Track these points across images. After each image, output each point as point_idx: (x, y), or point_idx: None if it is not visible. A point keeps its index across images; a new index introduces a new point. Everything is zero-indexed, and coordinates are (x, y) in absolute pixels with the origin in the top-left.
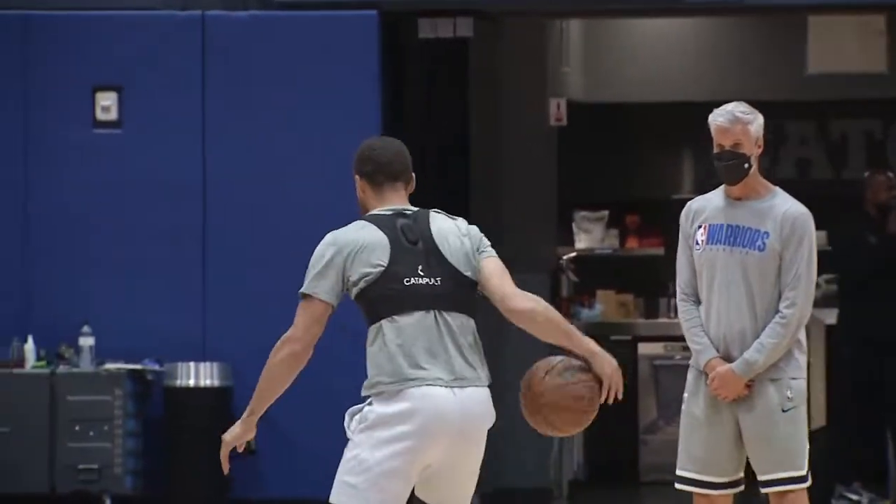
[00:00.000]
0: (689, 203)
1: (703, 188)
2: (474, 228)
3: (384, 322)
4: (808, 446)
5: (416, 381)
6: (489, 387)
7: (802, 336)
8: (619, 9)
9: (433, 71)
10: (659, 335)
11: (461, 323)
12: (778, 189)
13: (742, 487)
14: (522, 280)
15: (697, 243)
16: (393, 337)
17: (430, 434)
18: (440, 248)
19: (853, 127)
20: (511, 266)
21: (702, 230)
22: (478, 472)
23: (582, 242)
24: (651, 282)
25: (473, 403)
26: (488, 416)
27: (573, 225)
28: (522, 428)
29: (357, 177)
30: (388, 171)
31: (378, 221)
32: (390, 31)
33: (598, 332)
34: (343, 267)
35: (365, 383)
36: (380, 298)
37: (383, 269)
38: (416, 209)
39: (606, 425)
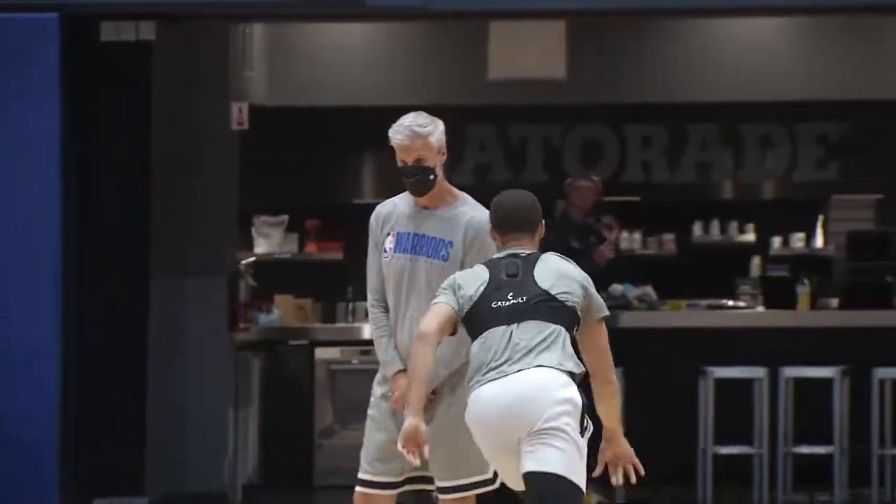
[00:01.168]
0: (377, 208)
1: (383, 193)
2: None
3: None
4: None
5: None
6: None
7: None
8: (302, 13)
9: (117, 75)
10: (336, 340)
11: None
12: (465, 196)
13: (405, 487)
14: (201, 284)
15: (386, 251)
16: None
17: None
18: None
19: (532, 132)
20: (190, 270)
21: (390, 237)
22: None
23: (261, 247)
24: (330, 287)
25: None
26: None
27: (252, 230)
28: (195, 430)
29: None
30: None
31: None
32: (76, 34)
33: (275, 336)
34: None
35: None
36: None
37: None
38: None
39: (282, 429)
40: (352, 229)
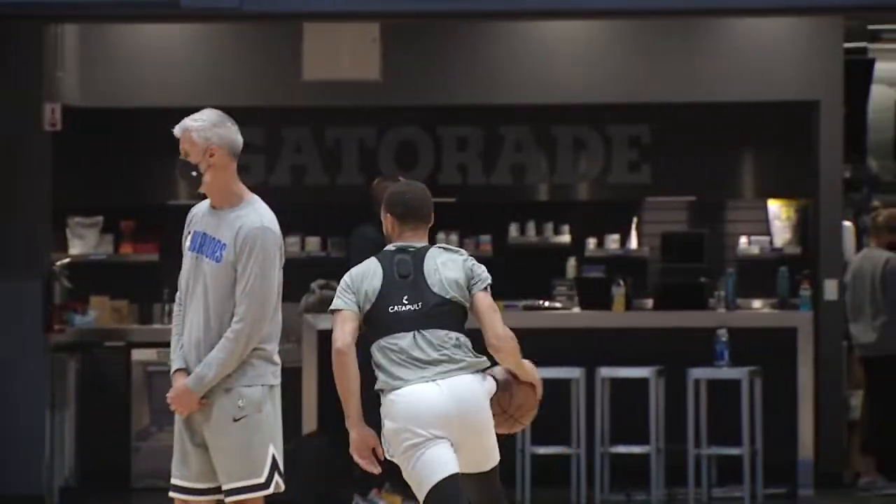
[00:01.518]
0: (193, 207)
1: (198, 195)
2: (472, 263)
3: None
4: (271, 452)
5: None
6: None
7: (270, 345)
8: (115, 14)
9: None
10: (153, 341)
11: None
12: (254, 199)
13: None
14: (15, 286)
15: (183, 250)
16: None
17: None
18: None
19: (348, 134)
20: (4, 272)
21: (189, 236)
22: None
23: (76, 248)
24: (146, 288)
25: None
26: None
27: (67, 231)
28: (11, 432)
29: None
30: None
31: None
32: None
33: (91, 338)
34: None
35: None
36: None
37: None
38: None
39: (98, 431)
40: (167, 230)
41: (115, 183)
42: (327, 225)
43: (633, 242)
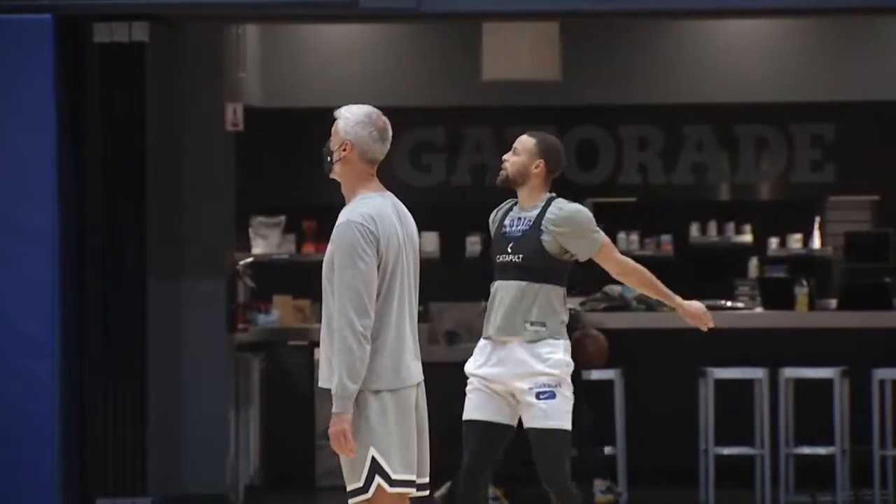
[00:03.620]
0: None
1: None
2: None
3: None
4: (370, 455)
5: None
6: None
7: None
8: (294, 14)
9: (111, 77)
10: None
11: None
12: (368, 196)
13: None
14: (199, 286)
15: None
16: None
17: None
18: None
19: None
20: (188, 272)
21: None
22: None
23: (259, 248)
24: None
25: None
26: None
27: (250, 230)
28: (197, 431)
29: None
30: None
31: None
32: (70, 35)
33: (275, 337)
34: None
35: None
36: None
37: None
38: None
39: (283, 430)
40: None
41: (296, 183)
42: None
43: (816, 242)
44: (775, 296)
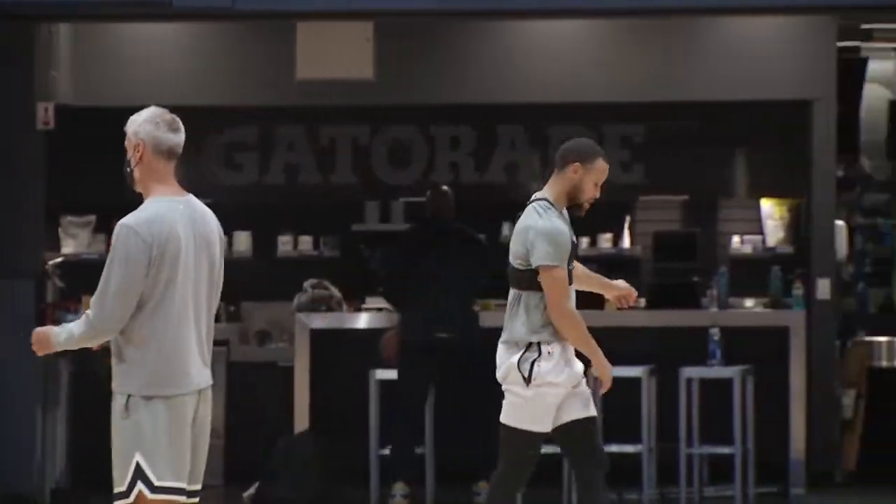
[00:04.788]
0: None
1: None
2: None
3: None
4: (135, 460)
5: None
6: None
7: (138, 351)
8: (106, 13)
9: None
10: None
11: None
12: (154, 199)
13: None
14: (8, 286)
15: None
16: None
17: None
18: None
19: (340, 133)
20: None
21: None
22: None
23: (69, 247)
24: None
25: None
26: None
27: (60, 230)
28: (4, 433)
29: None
30: None
31: None
32: None
33: None
34: None
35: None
36: None
37: None
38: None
39: (91, 433)
40: None
41: (107, 182)
42: (320, 224)
43: (626, 242)
44: (585, 295)
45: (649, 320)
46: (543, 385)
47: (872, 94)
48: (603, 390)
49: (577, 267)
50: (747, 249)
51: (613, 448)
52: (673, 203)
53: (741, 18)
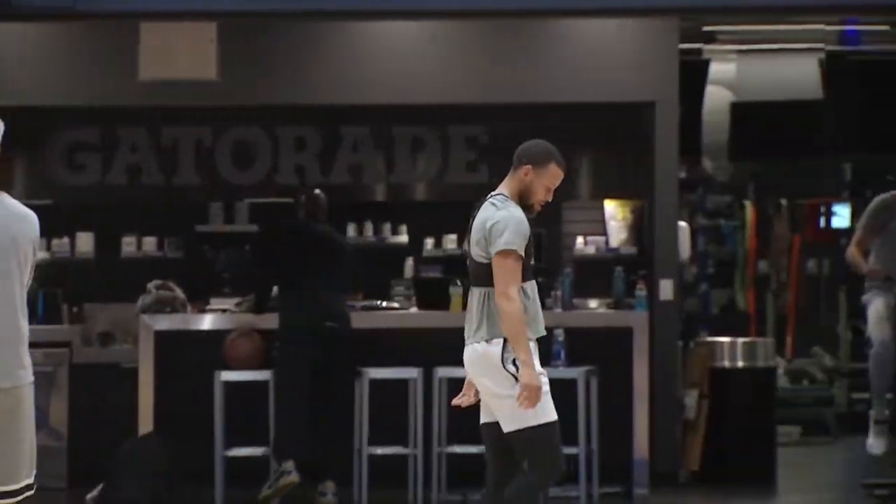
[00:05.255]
0: None
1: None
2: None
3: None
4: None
5: None
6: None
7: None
8: None
9: None
10: None
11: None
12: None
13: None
14: None
15: None
16: None
17: None
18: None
19: (184, 134)
20: None
21: None
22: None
23: None
24: None
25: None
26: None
27: None
28: None
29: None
30: None
31: None
32: None
33: None
34: None
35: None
36: None
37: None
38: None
39: None
40: None
41: None
42: (164, 225)
43: None
44: (430, 296)
45: None
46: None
47: (714, 97)
48: (521, 399)
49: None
50: (591, 251)
51: (458, 449)
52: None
53: (585, 21)
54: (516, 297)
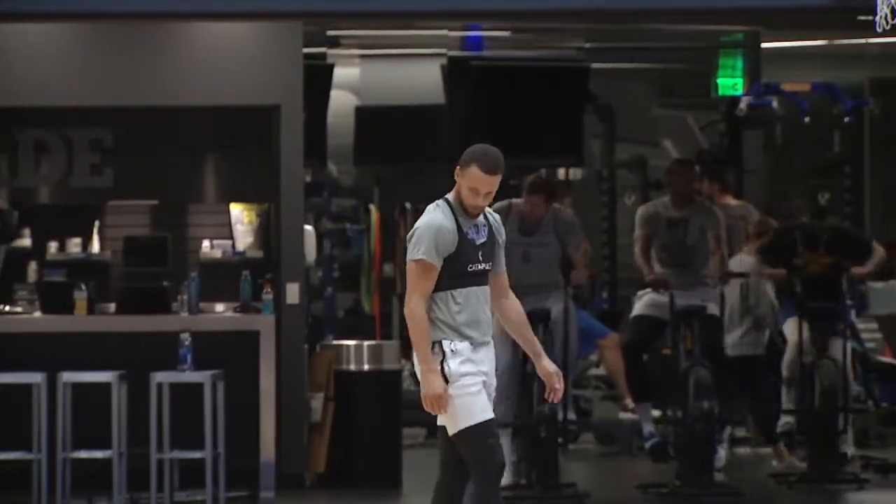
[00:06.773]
0: None
1: None
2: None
3: None
4: None
5: None
6: None
7: None
8: None
9: None
10: None
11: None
12: None
13: None
14: None
15: None
16: None
17: None
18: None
19: None
20: None
21: None
22: None
23: None
24: None
25: None
26: None
27: None
28: None
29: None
30: None
31: None
32: None
33: None
34: None
35: None
36: None
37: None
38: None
39: None
40: None
41: None
42: None
43: (96, 246)
44: (54, 300)
45: (119, 325)
46: (460, 379)
47: (339, 100)
48: (426, 406)
49: (515, 310)
50: (217, 254)
51: (83, 454)
52: (143, 208)
53: (212, 23)
54: (416, 305)
